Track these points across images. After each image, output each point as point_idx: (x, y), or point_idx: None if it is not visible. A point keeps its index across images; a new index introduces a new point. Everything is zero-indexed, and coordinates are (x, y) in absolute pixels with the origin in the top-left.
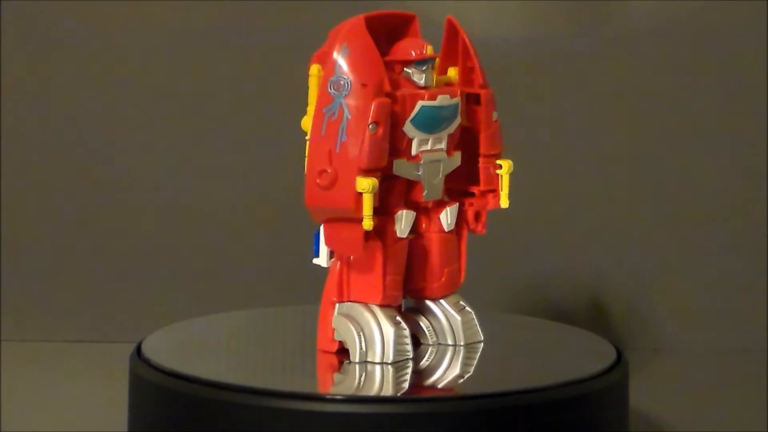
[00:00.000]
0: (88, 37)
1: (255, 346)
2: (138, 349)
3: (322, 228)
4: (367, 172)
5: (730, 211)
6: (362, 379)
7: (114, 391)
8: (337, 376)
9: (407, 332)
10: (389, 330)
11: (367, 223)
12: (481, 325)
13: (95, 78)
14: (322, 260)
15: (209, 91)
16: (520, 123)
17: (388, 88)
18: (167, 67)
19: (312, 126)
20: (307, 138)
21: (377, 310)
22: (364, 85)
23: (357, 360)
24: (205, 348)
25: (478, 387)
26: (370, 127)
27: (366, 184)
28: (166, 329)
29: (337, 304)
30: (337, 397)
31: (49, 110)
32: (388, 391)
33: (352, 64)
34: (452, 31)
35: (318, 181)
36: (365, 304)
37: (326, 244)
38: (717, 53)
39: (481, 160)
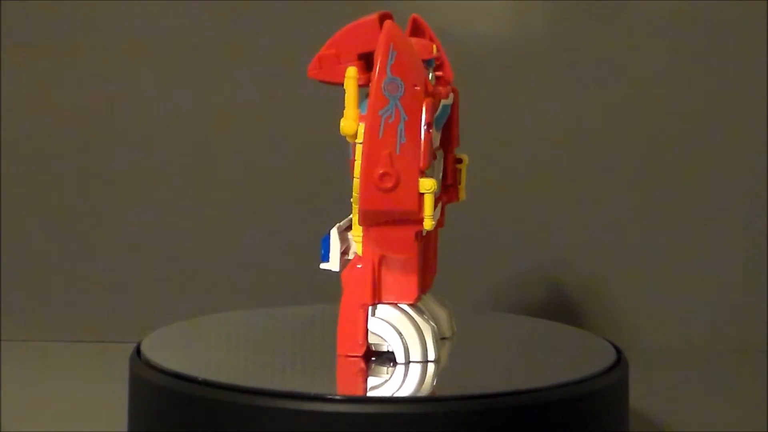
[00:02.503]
0: (88, 38)
1: (254, 347)
2: (138, 349)
3: (333, 232)
4: (422, 172)
5: (730, 211)
6: (361, 378)
7: (114, 391)
8: (337, 377)
9: (436, 328)
10: (428, 328)
11: (429, 223)
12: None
13: (95, 79)
14: (333, 264)
15: (215, 91)
16: (508, 121)
17: (431, 87)
18: (167, 68)
19: (367, 129)
20: (358, 141)
21: (408, 309)
22: (415, 86)
23: (403, 360)
24: (205, 348)
25: (479, 387)
26: (425, 127)
27: (429, 184)
28: (166, 329)
29: (370, 307)
30: (337, 397)
31: (50, 110)
32: (387, 391)
33: (403, 66)
34: (418, 29)
35: (380, 184)
36: (395, 305)
37: (376, 247)
38: (705, 52)
39: (449, 155)
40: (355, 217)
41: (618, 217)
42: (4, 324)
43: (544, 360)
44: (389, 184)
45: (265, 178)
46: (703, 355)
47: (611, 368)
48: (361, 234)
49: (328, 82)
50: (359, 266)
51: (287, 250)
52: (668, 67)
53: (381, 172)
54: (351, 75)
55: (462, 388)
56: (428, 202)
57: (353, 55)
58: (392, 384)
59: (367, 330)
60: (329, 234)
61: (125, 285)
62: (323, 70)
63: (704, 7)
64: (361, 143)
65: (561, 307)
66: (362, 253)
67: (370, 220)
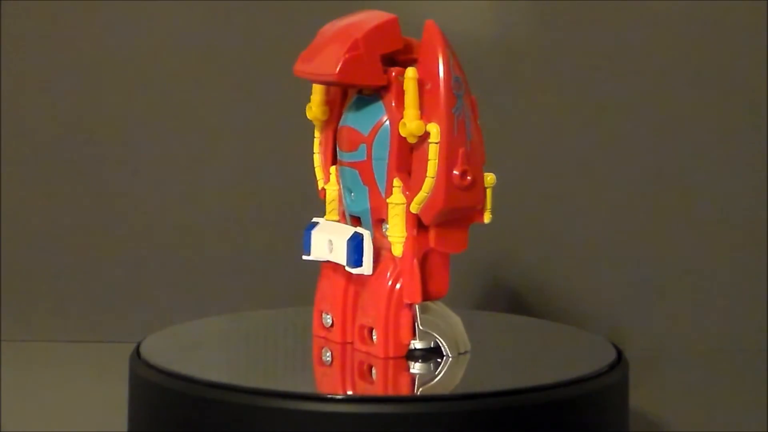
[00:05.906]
0: (88, 38)
1: (254, 347)
2: (138, 349)
3: (367, 237)
4: None
5: (730, 211)
6: (357, 377)
7: (114, 391)
8: (335, 376)
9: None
10: (458, 320)
11: (489, 216)
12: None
13: (95, 80)
14: (366, 269)
15: (213, 93)
16: (501, 121)
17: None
18: (164, 71)
19: (443, 128)
20: (433, 141)
21: (440, 304)
22: (466, 83)
23: (453, 354)
24: (204, 348)
25: (478, 387)
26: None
27: (492, 179)
28: (166, 329)
29: (416, 306)
30: (337, 397)
31: (50, 111)
32: (388, 390)
33: (459, 65)
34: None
35: (461, 182)
36: (433, 301)
37: (435, 246)
38: (697, 52)
39: None
40: (394, 218)
41: (618, 218)
42: (4, 324)
43: (545, 360)
44: (469, 181)
45: (263, 180)
46: (703, 355)
47: (611, 368)
48: (404, 234)
49: (352, 84)
50: (391, 268)
51: (288, 252)
52: (659, 68)
53: (461, 170)
54: (411, 76)
55: (462, 388)
56: (489, 195)
57: (376, 56)
58: (390, 383)
59: (414, 329)
60: (361, 238)
61: (125, 285)
62: (349, 73)
63: (696, 6)
64: (436, 143)
65: (561, 307)
66: (403, 253)
67: (439, 218)
